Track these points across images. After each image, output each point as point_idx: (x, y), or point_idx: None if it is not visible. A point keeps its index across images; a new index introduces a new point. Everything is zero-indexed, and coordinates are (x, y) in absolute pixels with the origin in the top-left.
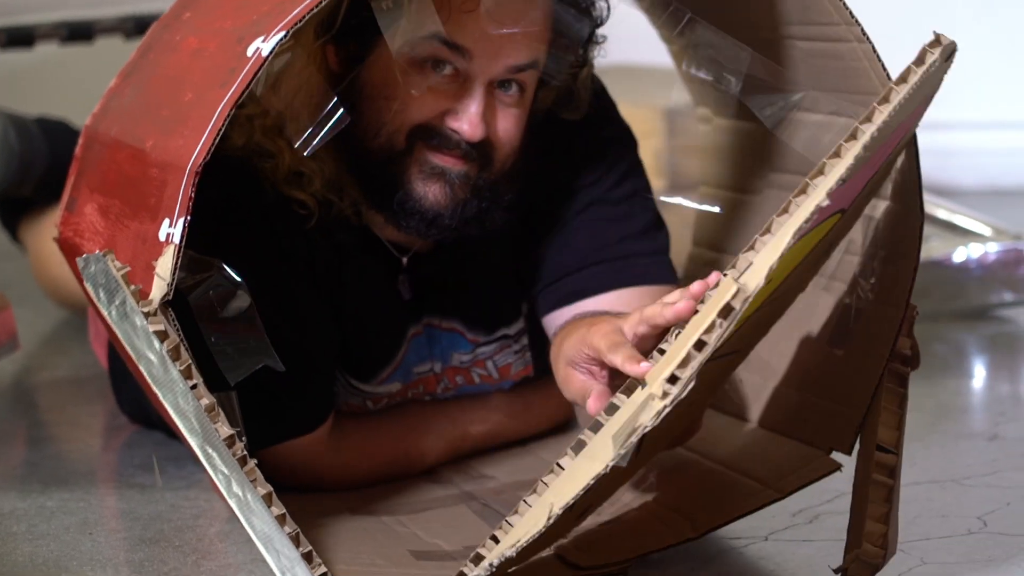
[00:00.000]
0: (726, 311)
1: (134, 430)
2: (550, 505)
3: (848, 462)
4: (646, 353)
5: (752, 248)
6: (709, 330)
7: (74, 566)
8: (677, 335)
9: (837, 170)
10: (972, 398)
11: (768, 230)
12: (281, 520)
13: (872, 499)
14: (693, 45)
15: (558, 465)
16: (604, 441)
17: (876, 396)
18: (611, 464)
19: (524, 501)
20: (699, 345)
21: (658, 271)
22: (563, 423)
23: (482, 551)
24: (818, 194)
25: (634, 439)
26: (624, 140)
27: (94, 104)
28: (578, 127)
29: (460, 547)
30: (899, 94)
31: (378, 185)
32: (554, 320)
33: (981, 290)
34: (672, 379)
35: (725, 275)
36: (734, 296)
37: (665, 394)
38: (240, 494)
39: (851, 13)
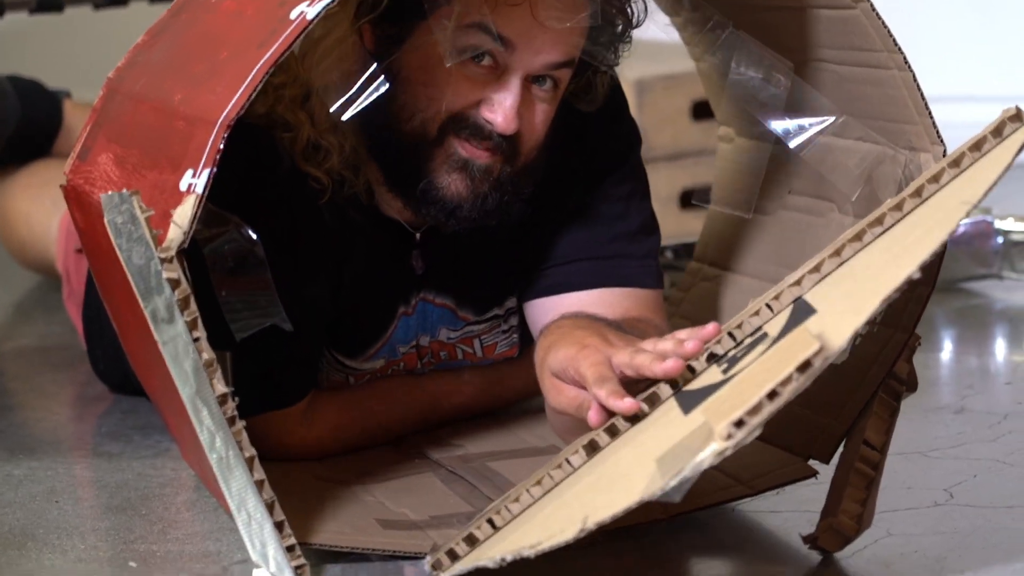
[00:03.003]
0: (805, 367)
1: (101, 399)
2: (584, 518)
3: (824, 469)
4: (630, 390)
5: (798, 284)
6: (785, 383)
7: (40, 534)
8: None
9: (929, 244)
10: (940, 371)
11: (818, 268)
12: (259, 485)
13: (852, 483)
14: (732, 61)
15: (567, 462)
16: (644, 461)
17: (869, 403)
18: (659, 494)
19: (527, 491)
20: (772, 395)
21: (645, 275)
22: (533, 395)
23: (476, 532)
24: (910, 265)
25: (687, 473)
26: (632, 138)
27: (66, 73)
28: (590, 119)
29: (427, 516)
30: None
31: (403, 170)
32: (534, 309)
33: (950, 263)
34: (739, 423)
35: (770, 306)
36: (816, 354)
37: (730, 436)
38: (222, 452)
39: (894, 40)
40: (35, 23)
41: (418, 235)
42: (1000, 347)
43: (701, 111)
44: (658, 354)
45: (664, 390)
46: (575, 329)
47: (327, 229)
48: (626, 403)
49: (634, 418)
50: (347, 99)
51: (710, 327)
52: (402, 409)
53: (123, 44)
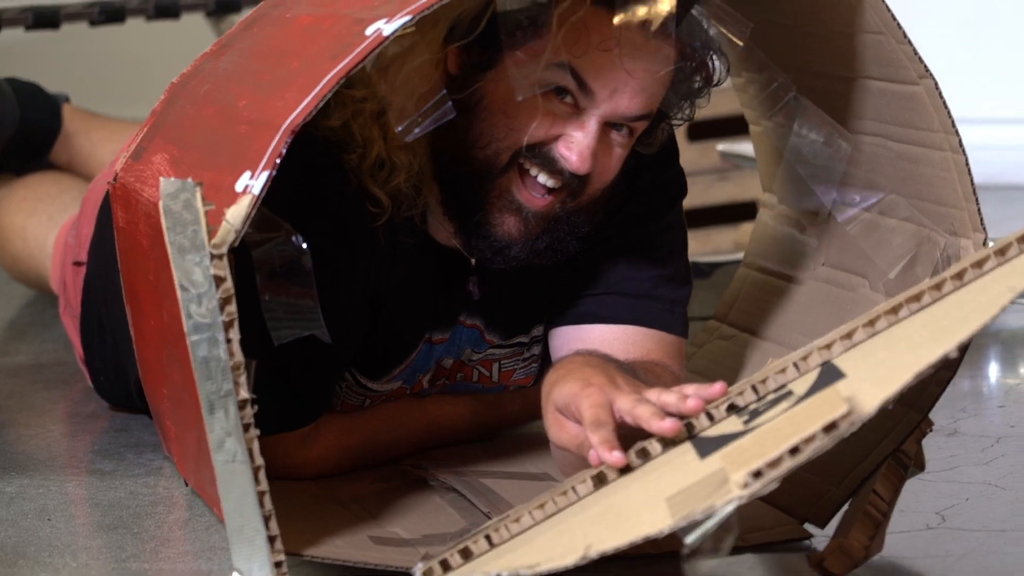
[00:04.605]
0: (831, 427)
1: (95, 417)
2: (586, 546)
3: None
4: (632, 435)
5: (828, 348)
6: (809, 440)
7: (32, 552)
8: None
9: (970, 326)
10: None
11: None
12: (261, 496)
13: (861, 521)
14: (792, 126)
15: (573, 491)
16: (654, 499)
17: (873, 473)
18: (667, 531)
19: (528, 513)
20: (794, 451)
21: (672, 320)
22: (530, 422)
23: (472, 546)
24: (948, 344)
25: (697, 516)
26: (680, 187)
27: (61, 89)
28: (644, 161)
29: (419, 535)
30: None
31: (464, 197)
32: (559, 336)
33: None
34: (757, 473)
35: (795, 365)
36: (844, 416)
37: (746, 485)
38: (231, 456)
39: (953, 122)
40: (31, 39)
41: (473, 261)
42: (993, 370)
43: (697, 132)
44: (659, 407)
45: (679, 434)
46: (584, 366)
47: (380, 252)
48: (614, 456)
49: (647, 456)
50: (411, 121)
51: (717, 386)
52: (401, 432)
53: (119, 60)
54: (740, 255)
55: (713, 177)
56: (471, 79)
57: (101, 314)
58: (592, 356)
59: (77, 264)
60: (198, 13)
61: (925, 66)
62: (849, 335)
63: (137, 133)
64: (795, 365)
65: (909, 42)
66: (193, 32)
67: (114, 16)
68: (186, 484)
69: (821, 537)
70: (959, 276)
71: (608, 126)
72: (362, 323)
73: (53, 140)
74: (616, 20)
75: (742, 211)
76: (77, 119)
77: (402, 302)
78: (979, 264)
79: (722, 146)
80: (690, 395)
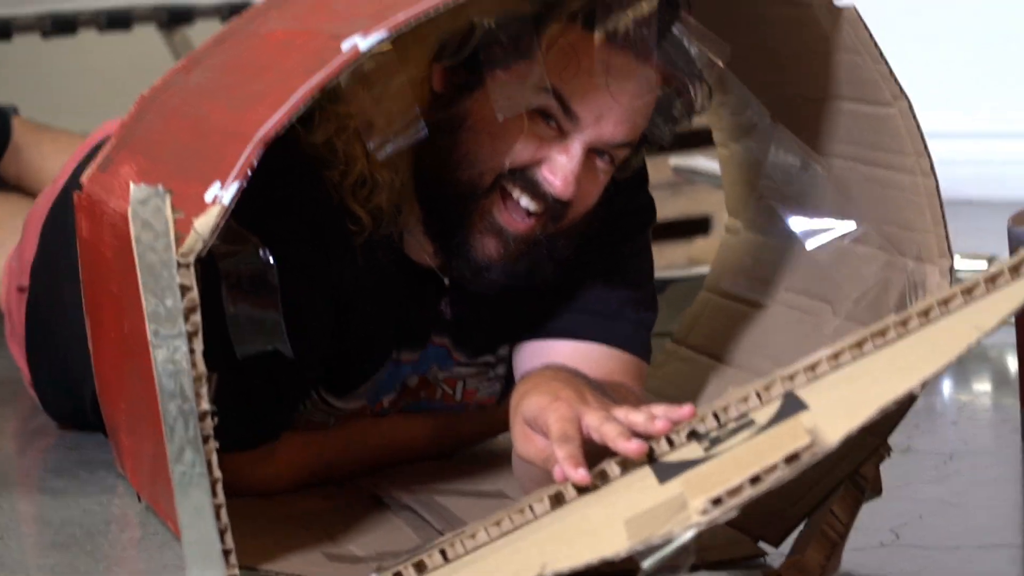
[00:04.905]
0: (792, 458)
1: (46, 434)
2: (542, 564)
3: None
4: (597, 452)
5: (791, 379)
6: (770, 470)
7: None
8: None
9: (934, 363)
10: None
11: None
12: (218, 510)
13: (818, 540)
14: (764, 151)
15: (530, 509)
16: (612, 521)
17: (830, 494)
18: (624, 554)
19: (484, 529)
20: (755, 480)
21: (637, 342)
22: (486, 440)
23: (426, 560)
24: (912, 380)
25: (655, 541)
26: (651, 212)
27: (13, 101)
28: (617, 186)
29: (373, 553)
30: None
31: (446, 218)
32: (524, 351)
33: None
34: (717, 501)
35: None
36: (806, 448)
37: (705, 512)
38: (188, 468)
39: (925, 145)
40: None
41: (447, 280)
42: (947, 386)
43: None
44: (627, 427)
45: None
46: (553, 380)
47: (357, 269)
48: (579, 474)
49: (606, 479)
50: (389, 135)
51: (686, 409)
52: (358, 450)
53: (70, 72)
54: (694, 271)
55: (666, 192)
56: (456, 99)
57: (48, 334)
58: (562, 371)
59: (20, 290)
60: (150, 25)
61: (900, 87)
62: (813, 367)
63: (105, 144)
64: (757, 394)
65: (885, 61)
66: (145, 44)
67: (65, 27)
68: (139, 500)
69: (776, 556)
70: (925, 313)
71: (592, 152)
72: (329, 338)
73: (2, 153)
74: (596, 36)
75: (695, 226)
76: (27, 132)
77: (374, 320)
78: (946, 302)
79: (675, 160)
80: (659, 416)
